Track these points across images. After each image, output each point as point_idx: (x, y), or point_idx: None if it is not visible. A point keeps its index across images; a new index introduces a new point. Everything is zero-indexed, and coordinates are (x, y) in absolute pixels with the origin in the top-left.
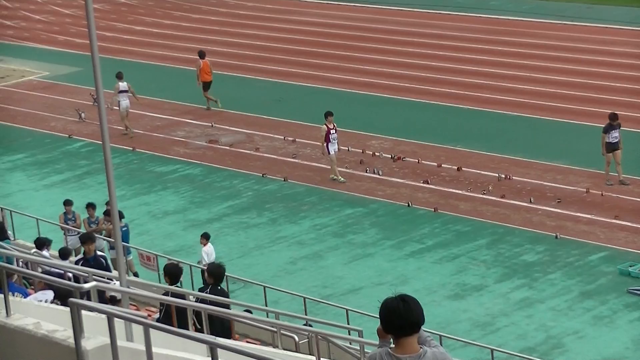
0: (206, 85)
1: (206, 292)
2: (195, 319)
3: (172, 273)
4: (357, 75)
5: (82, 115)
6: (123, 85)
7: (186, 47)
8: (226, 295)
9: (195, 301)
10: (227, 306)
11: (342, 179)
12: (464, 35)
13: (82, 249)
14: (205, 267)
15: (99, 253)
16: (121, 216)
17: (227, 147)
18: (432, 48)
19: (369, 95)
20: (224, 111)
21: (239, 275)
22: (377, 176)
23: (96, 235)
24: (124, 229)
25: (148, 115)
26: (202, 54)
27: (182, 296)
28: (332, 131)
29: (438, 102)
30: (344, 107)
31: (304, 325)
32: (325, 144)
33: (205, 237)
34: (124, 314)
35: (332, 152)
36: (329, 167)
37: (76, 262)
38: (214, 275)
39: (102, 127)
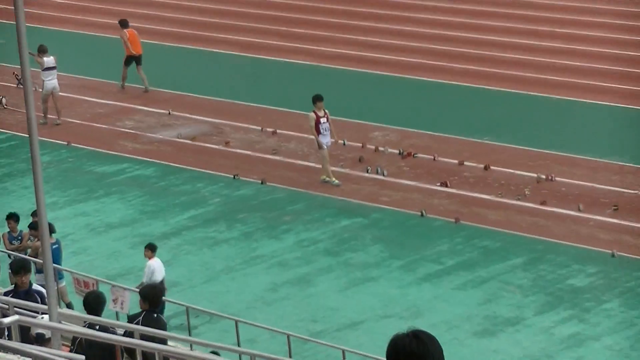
0: (133, 60)
1: (138, 322)
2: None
3: (151, 296)
4: (354, 48)
5: (3, 100)
6: (49, 60)
7: (136, 13)
8: (163, 325)
9: (124, 334)
10: (164, 340)
11: (336, 181)
12: None
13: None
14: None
15: (35, 288)
16: (51, 230)
17: (189, 141)
18: (448, 13)
19: (370, 74)
20: (186, 95)
21: (203, 306)
22: (381, 177)
23: (21, 255)
24: (54, 246)
25: (87, 100)
26: (124, 23)
27: (106, 328)
28: (322, 120)
29: (458, 82)
30: (338, 90)
31: None
32: (316, 136)
33: (151, 249)
34: (54, 358)
35: (323, 147)
36: (320, 165)
37: (4, 295)
38: (149, 299)
39: (29, 116)
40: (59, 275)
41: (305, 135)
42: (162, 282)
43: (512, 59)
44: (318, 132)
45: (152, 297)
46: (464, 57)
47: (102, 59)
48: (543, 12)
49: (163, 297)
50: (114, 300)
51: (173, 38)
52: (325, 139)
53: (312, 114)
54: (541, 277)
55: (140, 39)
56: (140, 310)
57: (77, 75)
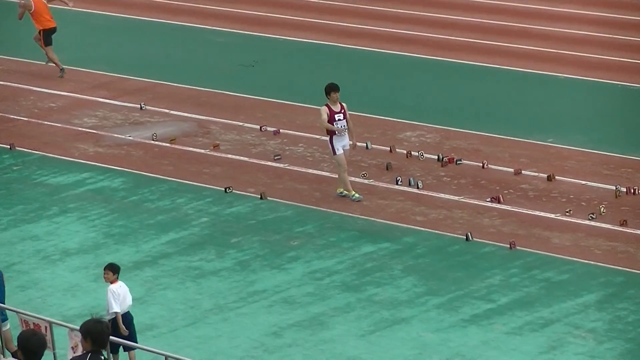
0: (47, 36)
1: None
2: None
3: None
4: (377, 22)
5: None
6: None
7: None
8: None
9: None
10: None
11: (357, 194)
12: None
13: None
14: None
15: None
16: None
17: (167, 144)
18: None
19: (398, 56)
20: (162, 84)
21: (187, 355)
22: (415, 190)
23: None
24: None
25: (34, 90)
26: None
27: None
28: (337, 116)
29: (514, 66)
30: (360, 77)
31: None
32: (329, 138)
33: (112, 270)
34: None
35: (339, 151)
36: (336, 175)
37: None
38: (92, 337)
39: None
40: (1, 317)
41: (317, 136)
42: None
43: (585, 37)
44: (331, 133)
45: (96, 334)
46: (523, 33)
47: (57, 37)
48: None
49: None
50: (72, 348)
51: (145, 9)
52: (342, 142)
53: (325, 109)
54: (620, 319)
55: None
56: (82, 352)
57: (21, 59)
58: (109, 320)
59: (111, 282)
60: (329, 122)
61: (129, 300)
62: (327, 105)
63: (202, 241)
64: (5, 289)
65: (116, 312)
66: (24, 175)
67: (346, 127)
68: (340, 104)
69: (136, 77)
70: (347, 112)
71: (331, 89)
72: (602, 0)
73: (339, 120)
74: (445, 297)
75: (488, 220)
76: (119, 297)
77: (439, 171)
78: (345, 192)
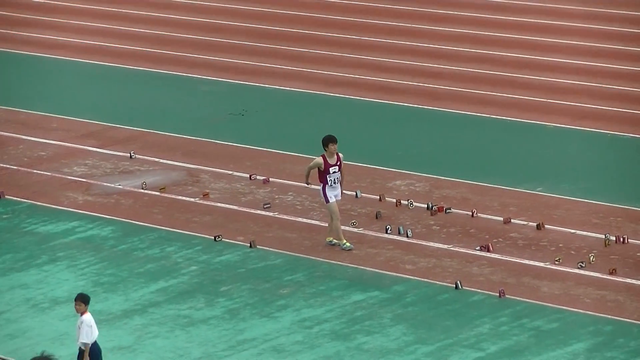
0: None
1: None
2: None
3: None
4: (366, 72)
5: None
6: None
7: (85, 27)
8: None
9: None
10: None
11: (348, 243)
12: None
13: None
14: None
15: None
16: None
17: (156, 193)
18: (487, 26)
19: (389, 105)
20: (152, 132)
21: None
22: (405, 239)
23: None
24: None
25: (24, 139)
26: None
27: None
28: (332, 169)
29: (503, 115)
30: (347, 125)
31: None
32: (322, 187)
33: (84, 301)
34: None
35: (331, 199)
36: (325, 224)
37: None
38: None
39: None
40: None
41: (306, 185)
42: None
43: (573, 87)
44: (325, 182)
45: None
46: (512, 83)
47: (44, 86)
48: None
49: None
50: None
51: (135, 59)
52: (334, 191)
53: (320, 160)
54: None
55: None
56: None
57: (9, 107)
58: (79, 351)
59: (82, 313)
60: (321, 173)
61: (96, 330)
62: (323, 156)
63: (191, 289)
64: None
65: (88, 344)
66: (13, 224)
67: (339, 179)
68: (337, 154)
69: (125, 126)
70: (342, 163)
71: (329, 140)
72: (591, 50)
73: (334, 172)
74: (435, 346)
75: (477, 268)
76: (93, 327)
77: (428, 220)
78: (335, 240)
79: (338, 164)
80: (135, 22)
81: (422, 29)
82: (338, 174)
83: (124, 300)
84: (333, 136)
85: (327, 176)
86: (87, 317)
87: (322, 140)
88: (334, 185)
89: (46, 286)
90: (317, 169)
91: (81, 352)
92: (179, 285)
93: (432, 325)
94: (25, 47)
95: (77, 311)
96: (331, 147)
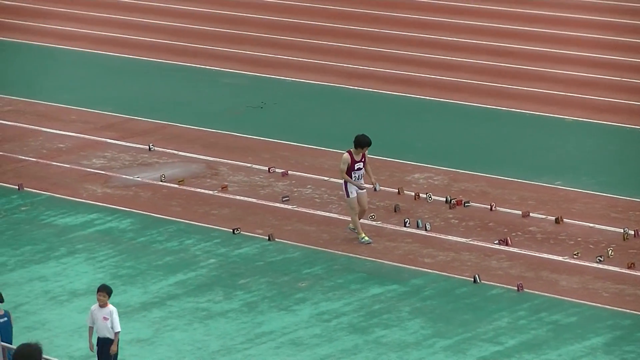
0: None
1: None
2: None
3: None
4: (385, 64)
5: None
6: None
7: (106, 19)
8: None
9: None
10: None
11: (367, 237)
12: None
13: None
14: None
15: None
16: None
17: (175, 185)
18: (511, 19)
19: (407, 98)
20: (171, 125)
21: None
22: (423, 232)
23: None
24: (3, 320)
25: (43, 131)
26: None
27: None
28: (356, 165)
29: (522, 109)
30: (366, 118)
31: None
32: (344, 181)
33: (108, 293)
34: None
35: (352, 194)
36: (343, 217)
37: None
38: None
39: None
40: (8, 356)
41: (325, 178)
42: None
43: (592, 80)
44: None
45: (27, 357)
46: (531, 76)
47: (63, 77)
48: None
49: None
50: None
51: (155, 51)
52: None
53: (348, 157)
54: None
55: None
56: None
57: (29, 99)
58: (102, 341)
59: (105, 305)
60: (349, 169)
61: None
62: (349, 152)
63: (209, 282)
64: (13, 329)
65: (118, 331)
66: (32, 216)
67: (362, 176)
68: (364, 154)
69: (144, 118)
70: (367, 158)
71: (366, 144)
72: (610, 43)
73: (359, 169)
74: (453, 340)
75: (496, 262)
76: (110, 322)
77: (447, 213)
78: (355, 229)
79: (363, 160)
80: (155, 14)
81: (441, 22)
82: (362, 171)
83: (143, 293)
84: (370, 140)
85: (352, 172)
86: (113, 307)
87: (358, 140)
88: (357, 180)
89: (65, 278)
90: None
91: (107, 341)
92: (197, 278)
93: (451, 319)
94: (45, 39)
95: (100, 302)
96: (359, 149)
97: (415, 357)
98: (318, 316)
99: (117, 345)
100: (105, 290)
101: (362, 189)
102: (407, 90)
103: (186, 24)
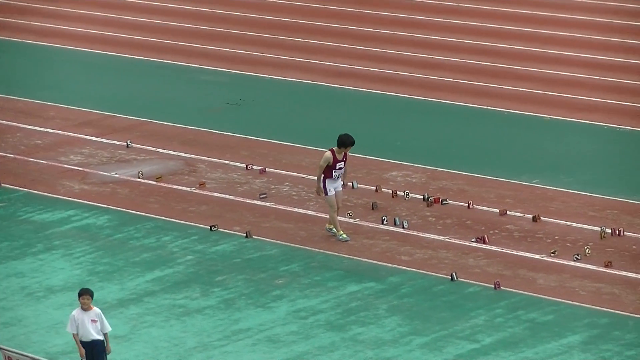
0: None
1: None
2: None
3: None
4: (365, 63)
5: None
6: None
7: (88, 16)
8: None
9: None
10: None
11: (345, 235)
12: None
13: None
14: None
15: None
16: None
17: (152, 182)
18: (490, 18)
19: (386, 97)
20: (149, 122)
21: None
22: (401, 230)
23: None
24: None
25: (21, 128)
26: None
27: None
28: (338, 164)
29: (498, 107)
30: (344, 116)
31: None
32: (322, 179)
33: (91, 295)
34: None
35: (330, 192)
36: (322, 214)
37: None
38: None
39: None
40: None
41: (303, 175)
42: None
43: (571, 79)
44: (328, 176)
45: None
46: (509, 75)
47: (43, 74)
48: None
49: None
50: None
51: (134, 48)
52: (335, 184)
53: (329, 154)
54: None
55: None
56: None
57: (7, 96)
58: (91, 344)
59: (89, 308)
60: (330, 168)
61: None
62: (332, 150)
63: (187, 279)
64: None
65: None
66: (9, 212)
67: (342, 175)
68: (345, 154)
69: (123, 115)
70: (348, 157)
71: (350, 144)
72: (589, 43)
73: (340, 168)
74: (430, 337)
75: (473, 260)
76: (95, 325)
77: (424, 211)
78: (333, 231)
79: (344, 159)
80: (134, 11)
81: (421, 20)
82: (343, 170)
83: (120, 290)
84: (353, 140)
85: (333, 171)
86: (97, 308)
87: (342, 140)
88: (335, 178)
89: (42, 275)
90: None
91: (97, 343)
92: (174, 275)
93: (428, 317)
94: (25, 36)
95: (85, 306)
96: (346, 149)
97: (392, 354)
98: (295, 313)
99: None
100: (88, 294)
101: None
102: (387, 88)
103: (166, 22)
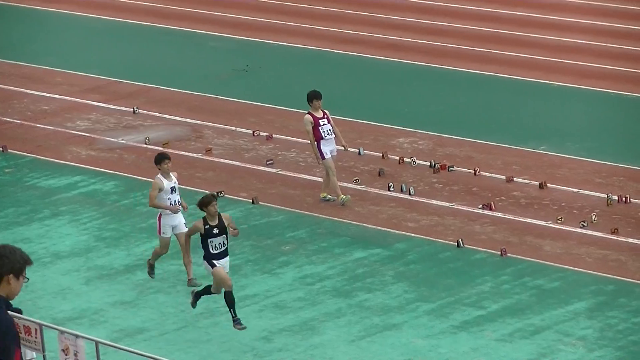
0: None
1: None
2: None
3: None
4: (372, 29)
5: None
6: None
7: None
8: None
9: None
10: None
11: (344, 196)
12: None
13: None
14: None
15: None
16: None
17: (159, 148)
18: None
19: (393, 63)
20: (155, 88)
21: (177, 357)
22: (407, 197)
23: None
24: None
25: (28, 93)
26: None
27: None
28: (321, 121)
29: (505, 74)
30: (351, 83)
31: None
32: (316, 144)
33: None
34: None
35: (327, 155)
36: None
37: None
38: None
39: None
40: None
41: (309, 142)
42: None
43: (578, 46)
44: (319, 137)
45: None
46: (516, 41)
47: (49, 40)
48: None
49: None
50: (63, 351)
51: (141, 14)
52: (329, 146)
53: (309, 116)
54: (610, 327)
55: None
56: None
57: (14, 62)
58: None
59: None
60: (314, 128)
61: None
62: (310, 113)
63: (193, 245)
64: None
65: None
66: (16, 178)
67: (332, 132)
68: (322, 110)
69: (129, 81)
70: (330, 117)
71: (314, 96)
72: (596, 9)
73: (324, 124)
74: (436, 304)
75: (480, 227)
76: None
77: (431, 178)
78: (329, 196)
79: (326, 117)
80: None
81: None
82: (329, 126)
83: (126, 255)
84: (318, 92)
85: (320, 130)
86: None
87: (308, 96)
88: (328, 137)
89: (48, 241)
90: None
91: None
92: None
93: (434, 283)
94: (31, 1)
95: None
96: (315, 102)
97: (398, 320)
98: (301, 280)
99: None
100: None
101: (329, 139)
102: (394, 55)
103: None
